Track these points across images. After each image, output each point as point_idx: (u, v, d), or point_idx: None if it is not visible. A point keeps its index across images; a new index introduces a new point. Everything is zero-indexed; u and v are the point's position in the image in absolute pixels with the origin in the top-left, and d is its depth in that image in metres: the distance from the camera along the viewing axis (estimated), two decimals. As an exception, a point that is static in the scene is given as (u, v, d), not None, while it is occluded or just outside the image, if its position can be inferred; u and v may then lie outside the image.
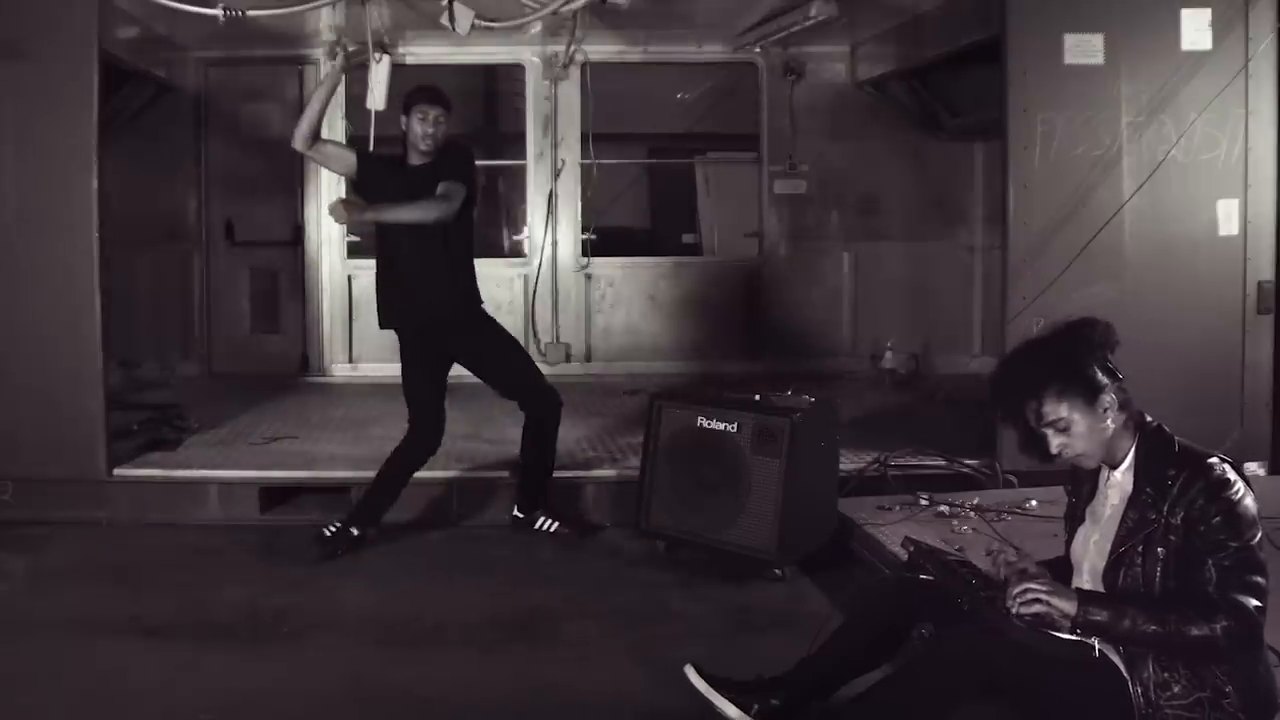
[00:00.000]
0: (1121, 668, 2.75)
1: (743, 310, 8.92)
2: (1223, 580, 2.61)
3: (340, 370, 8.68)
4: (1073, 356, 2.80)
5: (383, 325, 5.22)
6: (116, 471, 5.61)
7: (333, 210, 4.97)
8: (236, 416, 6.92)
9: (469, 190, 5.01)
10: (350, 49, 5.12)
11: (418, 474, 5.73)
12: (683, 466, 4.92)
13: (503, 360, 5.29)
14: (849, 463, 5.46)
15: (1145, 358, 5.62)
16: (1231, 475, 2.68)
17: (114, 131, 6.64)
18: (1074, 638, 2.74)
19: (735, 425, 4.81)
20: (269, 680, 3.81)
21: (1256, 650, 2.69)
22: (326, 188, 8.32)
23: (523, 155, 8.88)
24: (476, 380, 5.26)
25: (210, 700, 3.63)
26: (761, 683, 3.24)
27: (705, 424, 4.88)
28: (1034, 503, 5.02)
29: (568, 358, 8.74)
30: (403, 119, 5.05)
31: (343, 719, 3.62)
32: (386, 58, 7.90)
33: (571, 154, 8.72)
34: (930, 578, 3.10)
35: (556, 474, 5.45)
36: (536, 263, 8.77)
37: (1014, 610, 2.70)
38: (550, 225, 8.73)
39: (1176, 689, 2.68)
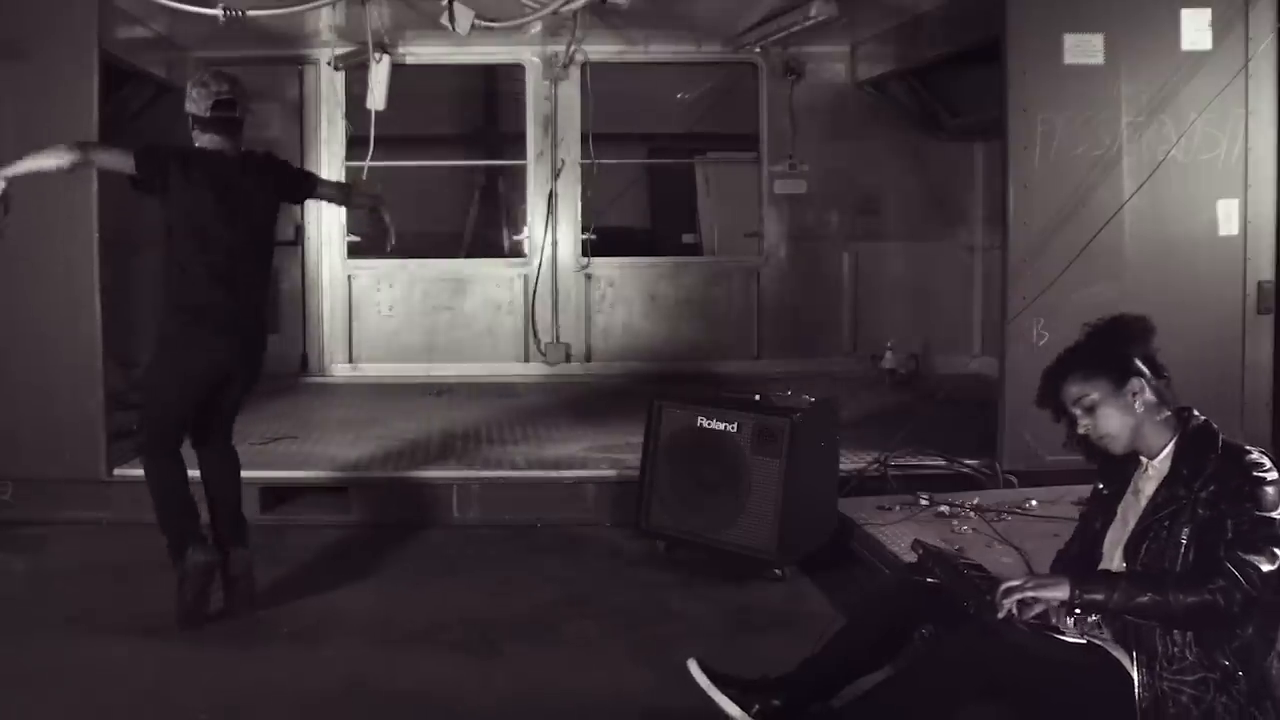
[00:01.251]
0: (1125, 665, 2.75)
1: (742, 310, 8.92)
2: (1237, 539, 2.66)
3: (340, 370, 8.68)
4: (1104, 344, 2.95)
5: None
6: (116, 471, 5.60)
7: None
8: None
9: None
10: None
11: (418, 474, 5.75)
12: (683, 466, 4.92)
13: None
14: (849, 463, 5.46)
15: (1145, 358, 5.68)
16: (1268, 462, 2.76)
17: (114, 131, 6.62)
18: (1075, 640, 2.75)
19: (735, 425, 4.81)
20: (269, 680, 3.81)
21: (1271, 630, 2.70)
22: (326, 188, 8.31)
23: (523, 155, 8.88)
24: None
25: (210, 700, 3.64)
26: (764, 682, 3.24)
27: (705, 424, 4.88)
28: (1034, 503, 5.02)
29: (568, 358, 8.74)
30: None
31: (342, 719, 3.62)
32: (386, 58, 7.96)
33: (571, 154, 8.71)
34: (937, 581, 3.10)
35: (559, 473, 5.45)
36: (536, 263, 8.76)
37: (1013, 614, 2.71)
38: (550, 225, 8.72)
39: (1184, 664, 2.70)
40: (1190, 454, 2.84)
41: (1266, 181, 5.64)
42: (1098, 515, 3.07)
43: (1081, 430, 2.93)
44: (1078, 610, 2.74)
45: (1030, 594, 2.72)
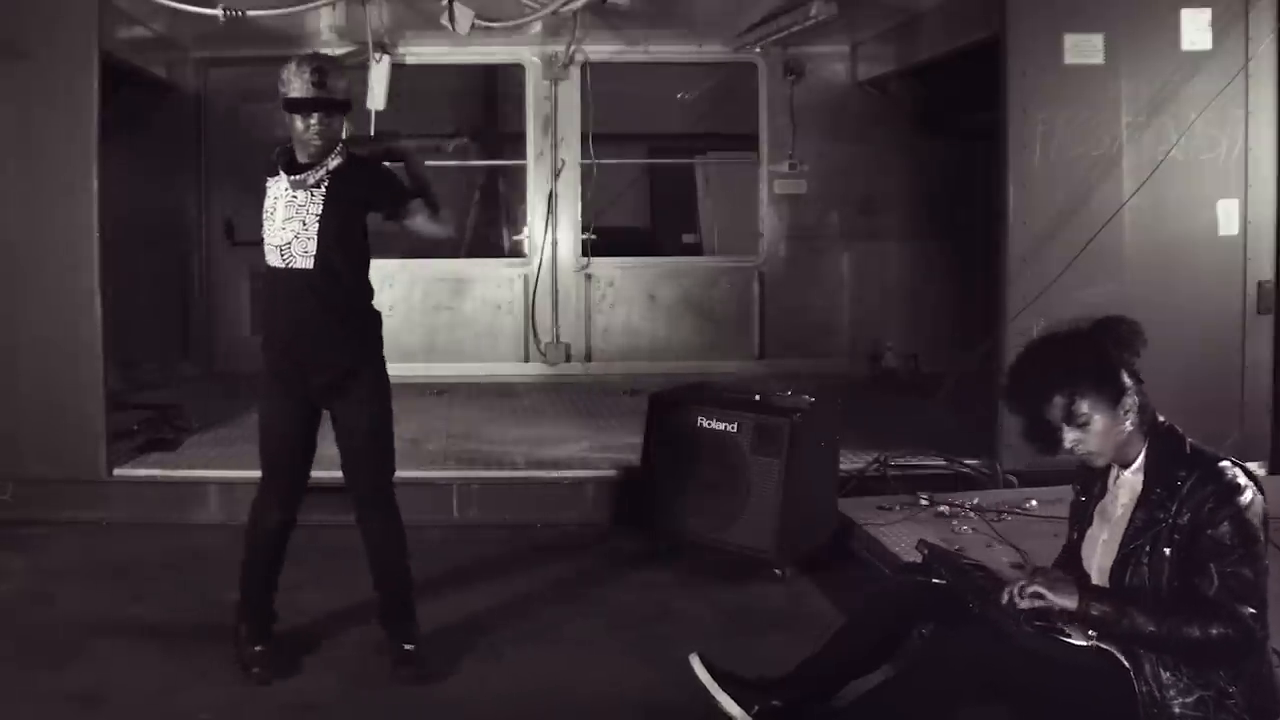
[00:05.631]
0: (1127, 666, 2.74)
1: (743, 310, 8.92)
2: (1224, 586, 2.60)
3: (340, 370, 8.66)
4: (1107, 355, 2.79)
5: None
6: (116, 471, 5.61)
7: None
8: (236, 416, 6.90)
9: None
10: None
11: (418, 474, 5.72)
12: (683, 466, 4.92)
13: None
14: (849, 463, 5.46)
15: (1145, 358, 5.65)
16: (1242, 480, 2.68)
17: (114, 131, 6.62)
18: (1080, 643, 2.74)
19: (735, 425, 4.81)
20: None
21: (1258, 654, 2.68)
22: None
23: (523, 155, 8.88)
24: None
25: (210, 701, 3.64)
26: (764, 682, 3.24)
27: (705, 424, 4.88)
28: (1034, 503, 5.02)
29: (568, 358, 8.74)
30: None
31: (342, 719, 3.62)
32: (386, 58, 7.96)
33: (571, 154, 8.71)
34: (942, 581, 3.09)
35: (560, 473, 5.45)
36: (536, 263, 8.77)
37: (1014, 601, 2.71)
38: (550, 225, 8.72)
39: (1180, 687, 2.68)
40: (1161, 469, 2.76)
41: (1266, 181, 5.65)
42: (1075, 524, 3.04)
43: (1069, 445, 2.79)
44: (1078, 623, 2.71)
45: (1043, 591, 2.68)
